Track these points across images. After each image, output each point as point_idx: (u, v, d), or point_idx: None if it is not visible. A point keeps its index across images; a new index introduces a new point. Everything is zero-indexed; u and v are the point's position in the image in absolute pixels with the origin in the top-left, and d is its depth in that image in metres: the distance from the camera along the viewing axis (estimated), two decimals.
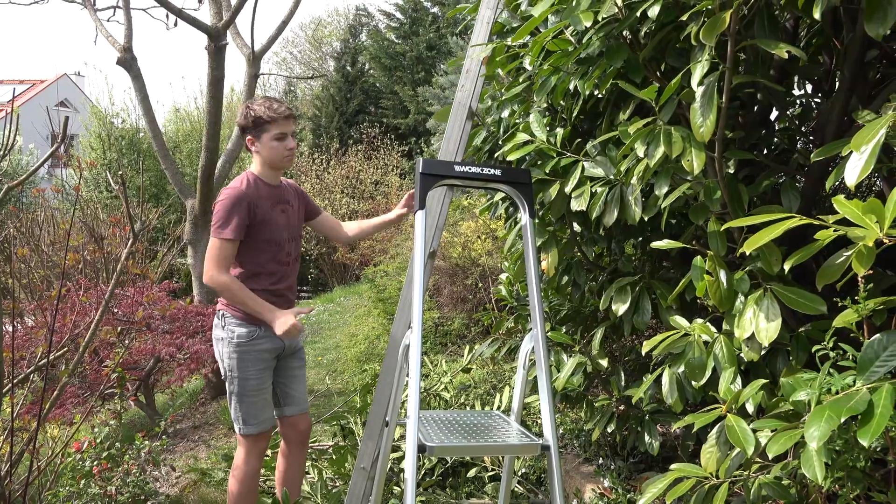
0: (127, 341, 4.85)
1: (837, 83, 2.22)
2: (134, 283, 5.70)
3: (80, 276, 5.90)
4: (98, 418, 4.34)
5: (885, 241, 1.27)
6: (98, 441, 3.46)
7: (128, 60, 5.60)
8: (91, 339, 3.04)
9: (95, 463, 3.32)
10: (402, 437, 3.57)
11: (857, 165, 1.30)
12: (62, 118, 2.47)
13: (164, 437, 3.86)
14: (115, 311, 4.84)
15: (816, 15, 1.54)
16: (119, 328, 4.84)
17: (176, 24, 6.43)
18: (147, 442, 3.59)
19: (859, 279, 1.43)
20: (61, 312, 4.46)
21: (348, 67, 18.74)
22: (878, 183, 2.72)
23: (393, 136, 15.81)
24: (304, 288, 14.58)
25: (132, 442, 3.59)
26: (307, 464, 3.55)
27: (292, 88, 22.26)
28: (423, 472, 3.47)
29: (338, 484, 3.47)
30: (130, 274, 5.97)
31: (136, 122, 14.72)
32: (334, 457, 3.49)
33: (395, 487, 3.37)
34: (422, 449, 1.93)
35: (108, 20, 6.48)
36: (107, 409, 4.47)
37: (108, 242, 6.76)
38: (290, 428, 2.87)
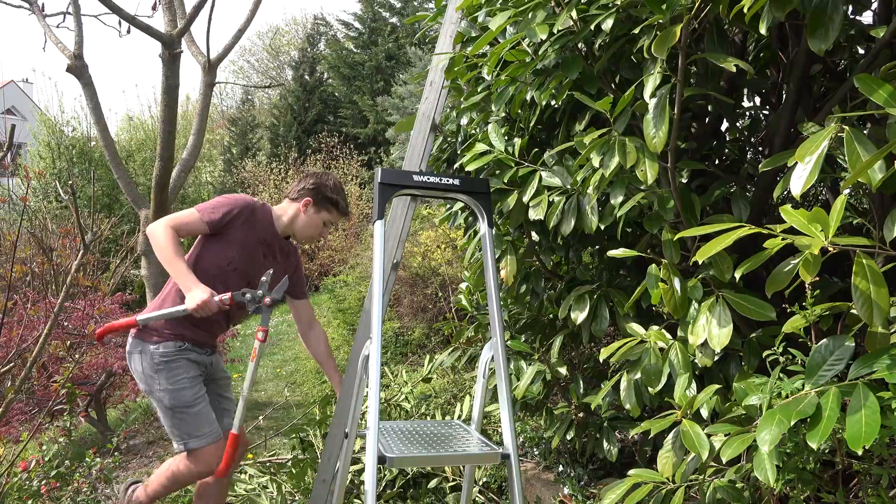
0: (77, 355, 4.71)
1: (784, 96, 2.30)
2: (85, 296, 5.55)
3: (28, 289, 5.71)
4: (46, 435, 4.19)
5: (830, 248, 1.31)
6: (46, 459, 3.35)
7: (78, 68, 5.47)
8: (39, 354, 2.95)
9: (44, 482, 3.21)
10: (363, 448, 3.54)
11: (802, 176, 1.34)
12: (9, 126, 2.40)
13: (116, 453, 3.75)
14: (65, 324, 4.70)
15: (762, 30, 1.59)
16: (69, 342, 4.70)
17: (129, 32, 6.30)
18: (98, 459, 3.48)
19: (807, 286, 1.47)
20: (7, 326, 4.31)
21: (306, 77, 18.62)
22: (823, 192, 2.81)
23: (352, 146, 15.75)
24: None
25: (83, 459, 3.48)
26: (265, 478, 3.49)
27: (249, 97, 22.02)
28: (383, 484, 3.44)
29: (297, 497, 3.42)
30: (81, 286, 5.81)
31: (88, 130, 14.37)
32: (294, 470, 3.43)
33: (354, 500, 3.33)
34: (382, 460, 1.92)
35: (57, 26, 6.32)
36: (56, 426, 4.32)
37: (58, 254, 6.57)
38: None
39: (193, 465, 2.60)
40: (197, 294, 2.45)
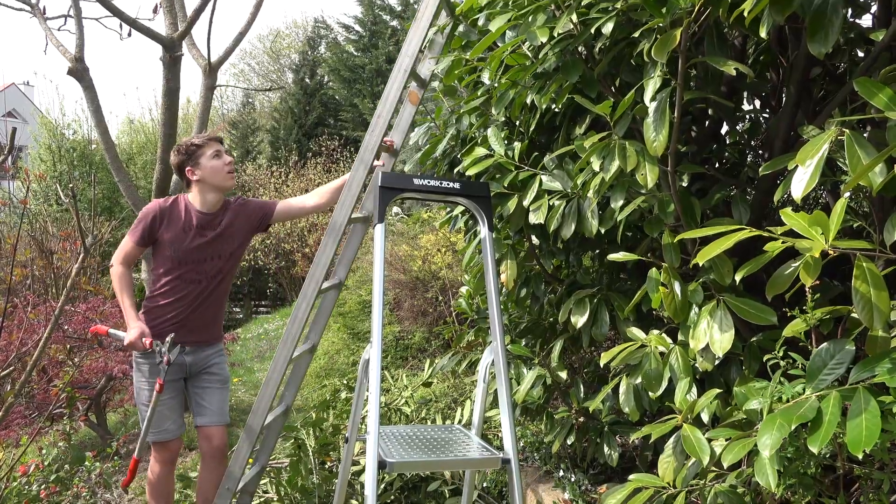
0: (77, 359, 4.71)
1: (784, 99, 2.29)
2: (85, 299, 5.55)
3: (28, 293, 5.71)
4: (46, 439, 4.19)
5: (831, 252, 1.31)
6: (46, 463, 3.35)
7: (79, 71, 5.48)
8: (39, 358, 2.95)
9: (43, 486, 3.21)
10: (362, 452, 3.53)
11: (802, 179, 1.34)
12: (9, 129, 2.40)
13: (116, 458, 3.75)
14: (66, 328, 4.70)
15: (763, 33, 1.59)
16: (69, 346, 4.70)
17: (130, 35, 6.32)
18: (98, 463, 3.48)
19: (807, 289, 1.47)
20: (7, 330, 4.31)
21: (307, 80, 18.64)
22: (823, 195, 2.81)
23: (353, 149, 15.74)
24: (263, 302, 14.37)
25: (82, 463, 3.47)
26: (265, 481, 3.48)
27: (250, 100, 22.04)
28: (381, 487, 3.43)
29: (297, 496, 3.41)
30: (82, 290, 5.81)
31: (89, 133, 14.38)
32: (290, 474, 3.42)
33: (352, 501, 3.33)
34: (382, 465, 1.92)
35: (58, 29, 6.34)
36: (56, 430, 4.32)
37: (58, 257, 6.57)
38: (204, 440, 2.92)
39: (154, 456, 2.90)
40: (130, 332, 2.71)
